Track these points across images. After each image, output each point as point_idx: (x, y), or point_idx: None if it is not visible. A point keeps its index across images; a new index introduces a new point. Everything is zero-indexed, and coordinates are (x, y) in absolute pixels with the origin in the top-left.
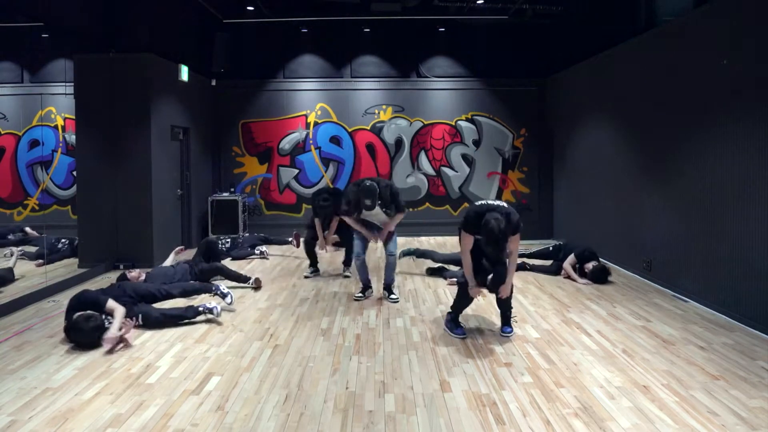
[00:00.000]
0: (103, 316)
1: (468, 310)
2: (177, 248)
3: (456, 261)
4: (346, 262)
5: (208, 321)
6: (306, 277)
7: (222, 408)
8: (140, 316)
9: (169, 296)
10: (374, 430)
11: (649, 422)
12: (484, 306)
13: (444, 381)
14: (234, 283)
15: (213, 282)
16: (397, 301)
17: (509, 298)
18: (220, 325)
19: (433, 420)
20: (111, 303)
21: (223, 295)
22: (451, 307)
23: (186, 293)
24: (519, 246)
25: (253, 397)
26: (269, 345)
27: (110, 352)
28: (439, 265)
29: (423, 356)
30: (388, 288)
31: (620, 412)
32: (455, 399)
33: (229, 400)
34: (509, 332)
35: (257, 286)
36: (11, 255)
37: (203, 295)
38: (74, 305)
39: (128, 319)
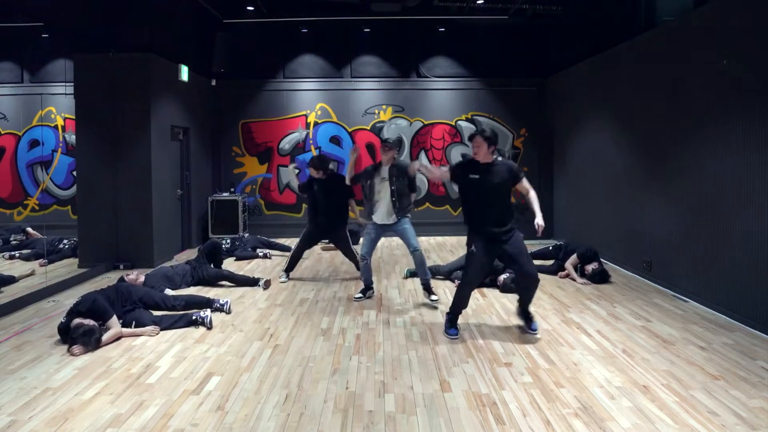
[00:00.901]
0: (102, 329)
1: (468, 310)
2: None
3: (461, 267)
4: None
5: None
6: (281, 282)
7: (222, 408)
8: (133, 323)
9: (173, 309)
10: (374, 430)
11: (649, 422)
12: (483, 306)
13: (444, 381)
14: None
15: (214, 288)
16: (438, 301)
17: (533, 292)
18: (220, 325)
19: (433, 420)
20: (113, 321)
21: (221, 307)
22: (450, 308)
23: (188, 307)
24: (528, 187)
25: (253, 397)
26: (269, 345)
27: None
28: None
29: (423, 356)
30: (427, 287)
31: (620, 412)
32: (455, 399)
33: (229, 400)
34: (536, 329)
35: (267, 287)
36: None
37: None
38: (82, 311)
39: (154, 327)
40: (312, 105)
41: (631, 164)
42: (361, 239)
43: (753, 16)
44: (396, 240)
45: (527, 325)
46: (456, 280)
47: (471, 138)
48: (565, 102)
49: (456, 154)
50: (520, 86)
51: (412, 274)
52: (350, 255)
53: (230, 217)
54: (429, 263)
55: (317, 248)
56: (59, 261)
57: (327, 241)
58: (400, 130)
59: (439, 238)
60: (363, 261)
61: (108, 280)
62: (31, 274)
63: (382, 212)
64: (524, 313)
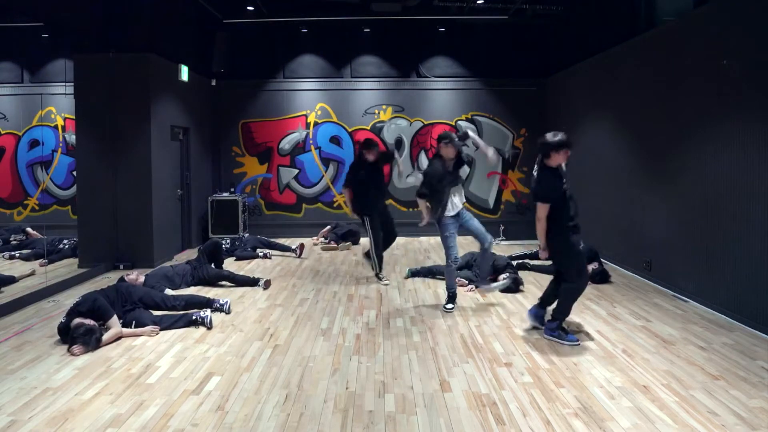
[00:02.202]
0: (102, 328)
1: (468, 310)
2: None
3: (460, 268)
4: (369, 255)
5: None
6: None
7: (222, 408)
8: (133, 323)
9: (173, 309)
10: (374, 430)
11: (649, 422)
12: (483, 306)
13: (444, 381)
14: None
15: (214, 288)
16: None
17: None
18: (220, 325)
19: (433, 420)
20: (113, 321)
21: (221, 307)
22: (554, 313)
23: (188, 307)
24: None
25: (253, 397)
26: (269, 345)
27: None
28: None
29: (423, 356)
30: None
31: (620, 412)
32: (455, 399)
33: (229, 400)
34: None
35: (267, 287)
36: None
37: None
38: (83, 310)
39: (154, 327)
40: (312, 105)
41: (631, 164)
42: (362, 239)
43: (753, 16)
44: (397, 240)
45: (541, 321)
46: (458, 279)
47: (563, 146)
48: (565, 102)
49: None
50: (520, 86)
51: (413, 274)
52: (391, 232)
53: (230, 217)
54: (429, 263)
55: (317, 248)
56: (59, 261)
57: (328, 240)
58: (400, 130)
59: (438, 239)
60: (455, 263)
61: (108, 280)
62: (31, 274)
63: (456, 203)
64: (553, 314)
